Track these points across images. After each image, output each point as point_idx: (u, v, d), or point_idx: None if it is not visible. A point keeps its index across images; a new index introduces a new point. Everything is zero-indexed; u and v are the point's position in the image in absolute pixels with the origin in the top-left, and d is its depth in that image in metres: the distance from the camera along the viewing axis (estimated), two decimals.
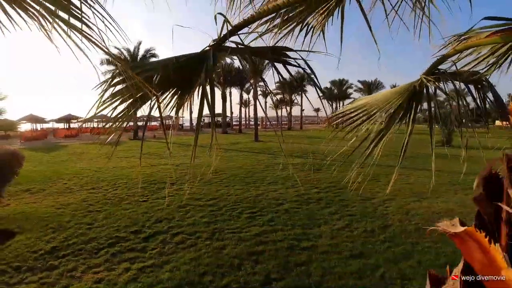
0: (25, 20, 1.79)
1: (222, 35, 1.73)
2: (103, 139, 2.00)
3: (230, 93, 50.55)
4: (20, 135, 32.54)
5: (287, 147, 19.10)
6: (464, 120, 2.60)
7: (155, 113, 2.02)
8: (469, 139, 2.32)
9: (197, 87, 1.97)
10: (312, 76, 1.88)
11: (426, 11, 2.50)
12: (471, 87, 2.66)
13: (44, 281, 4.20)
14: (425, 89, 2.55)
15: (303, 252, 4.85)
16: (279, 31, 2.59)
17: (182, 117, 2.23)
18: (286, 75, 1.96)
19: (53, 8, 1.60)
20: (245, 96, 55.03)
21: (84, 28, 1.62)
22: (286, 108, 59.63)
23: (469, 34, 2.67)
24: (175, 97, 2.03)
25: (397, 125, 2.58)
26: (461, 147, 2.29)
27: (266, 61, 2.15)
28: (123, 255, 4.87)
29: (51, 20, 1.70)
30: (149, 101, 1.90)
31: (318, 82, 1.89)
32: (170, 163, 14.03)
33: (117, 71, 1.78)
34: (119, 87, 1.97)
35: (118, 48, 32.45)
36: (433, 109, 2.45)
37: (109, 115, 1.99)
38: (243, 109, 57.48)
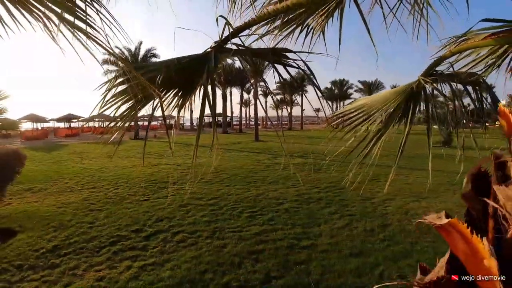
0: (29, 21, 1.84)
1: (223, 37, 1.77)
2: (105, 138, 2.04)
3: (231, 92, 50.65)
4: (20, 134, 32.59)
5: (287, 147, 19.16)
6: (460, 121, 2.64)
7: (157, 113, 2.06)
8: (468, 139, 2.36)
9: (200, 87, 2.01)
10: (312, 77, 1.92)
11: (424, 13, 2.55)
12: (470, 88, 2.71)
13: (46, 279, 4.24)
14: (423, 90, 2.59)
15: (303, 250, 4.89)
16: (280, 33, 2.63)
17: (183, 117, 2.27)
18: (286, 75, 2.00)
19: (59, 10, 1.64)
20: (245, 96, 55.12)
21: (87, 28, 1.67)
22: (286, 108, 59.70)
23: (467, 36, 2.71)
24: (177, 97, 2.07)
25: (395, 126, 2.62)
26: (457, 147, 2.33)
27: (267, 62, 2.19)
28: (125, 254, 4.91)
29: (56, 22, 1.75)
30: (152, 101, 1.94)
31: (317, 83, 1.93)
32: (171, 162, 14.09)
33: (120, 71, 1.81)
34: (121, 87, 2.02)
35: (119, 48, 32.50)
36: (430, 110, 2.49)
37: (111, 114, 2.04)
38: (243, 109, 57.54)
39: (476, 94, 2.66)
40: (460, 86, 2.72)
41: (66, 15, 1.63)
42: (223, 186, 9.42)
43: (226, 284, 4.00)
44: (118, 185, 9.77)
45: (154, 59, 33.88)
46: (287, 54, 1.92)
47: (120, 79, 1.83)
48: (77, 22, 1.62)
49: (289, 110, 59.60)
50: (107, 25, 1.62)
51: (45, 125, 50.47)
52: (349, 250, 4.85)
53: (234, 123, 58.29)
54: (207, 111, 1.96)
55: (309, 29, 2.90)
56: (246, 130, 48.71)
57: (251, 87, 49.91)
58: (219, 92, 44.51)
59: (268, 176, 10.98)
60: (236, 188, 9.23)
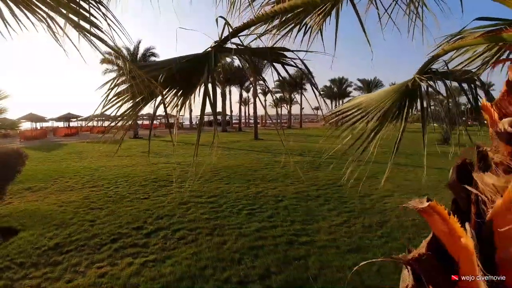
0: (32, 22, 1.90)
1: (223, 37, 1.83)
2: (105, 137, 2.09)
3: (230, 91, 50.67)
4: (19, 134, 32.58)
5: (286, 145, 19.22)
6: (455, 118, 2.69)
7: (157, 111, 2.11)
8: (466, 136, 2.40)
9: (200, 86, 2.06)
10: (310, 75, 1.97)
11: (420, 13, 2.61)
12: (466, 86, 2.76)
13: (48, 276, 4.29)
14: (418, 87, 2.65)
15: (301, 246, 4.96)
16: (278, 32, 2.68)
17: (182, 115, 2.32)
18: (285, 74, 2.05)
19: (63, 11, 1.70)
20: (244, 94, 55.12)
21: (91, 28, 1.73)
22: (286, 106, 59.74)
23: (462, 34, 2.77)
24: (178, 95, 2.13)
25: (392, 123, 2.68)
26: (451, 144, 2.39)
27: (266, 61, 2.25)
28: (126, 251, 4.97)
29: (59, 22, 1.80)
30: (154, 100, 2.00)
31: (314, 81, 1.99)
32: (172, 161, 14.15)
33: (123, 70, 1.86)
34: (123, 86, 2.07)
35: (118, 47, 32.46)
36: (425, 107, 2.55)
37: (113, 114, 2.08)
38: (242, 108, 57.57)
39: (471, 91, 2.72)
40: (456, 84, 2.79)
41: (71, 16, 1.69)
42: (223, 184, 9.49)
43: (226, 279, 4.07)
44: (118, 184, 9.82)
45: (153, 58, 33.88)
46: (285, 53, 1.97)
47: (123, 78, 1.88)
48: (81, 23, 1.68)
49: (288, 109, 59.68)
50: (109, 25, 1.68)
51: (44, 124, 50.45)
52: (347, 246, 4.91)
53: (234, 121, 58.33)
54: (208, 109, 2.02)
55: (307, 28, 2.95)
56: (245, 128, 48.75)
57: (250, 86, 49.95)
58: (218, 91, 44.49)
59: (267, 174, 11.05)
60: (235, 186, 9.29)
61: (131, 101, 2.04)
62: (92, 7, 1.71)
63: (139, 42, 34.68)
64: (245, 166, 12.75)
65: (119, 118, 2.09)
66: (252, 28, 2.08)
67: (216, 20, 1.77)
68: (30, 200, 8.04)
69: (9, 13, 1.78)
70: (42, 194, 8.71)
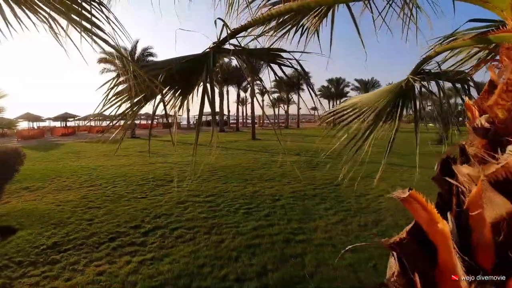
0: (33, 23, 1.95)
1: (221, 38, 1.88)
2: (103, 137, 2.13)
3: (227, 91, 50.64)
4: (17, 134, 32.46)
5: (284, 145, 19.28)
6: (448, 118, 2.76)
7: (156, 111, 2.16)
8: (462, 136, 2.46)
9: (198, 86, 2.12)
10: (306, 76, 2.03)
11: (414, 15, 2.67)
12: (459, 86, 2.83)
13: (46, 275, 4.31)
14: (412, 88, 2.72)
15: (298, 245, 5.03)
16: (275, 33, 2.74)
17: (180, 115, 2.37)
18: (282, 74, 2.10)
19: (65, 11, 1.75)
20: (242, 94, 55.12)
21: (93, 29, 1.78)
22: (283, 106, 59.83)
23: (455, 36, 2.84)
24: (177, 95, 2.18)
25: (385, 122, 2.74)
26: (443, 143, 2.46)
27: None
28: (124, 249, 5.01)
29: (61, 22, 1.85)
30: (154, 99, 2.05)
31: (310, 81, 2.05)
32: (169, 160, 14.17)
33: (123, 70, 1.91)
34: (121, 86, 2.11)
35: (119, 47, 32.37)
36: (418, 107, 2.61)
37: (113, 113, 2.13)
38: (240, 108, 57.57)
39: (464, 91, 2.79)
40: (451, 85, 2.85)
41: (73, 16, 1.74)
42: (220, 184, 9.53)
43: (223, 277, 4.12)
44: (115, 183, 9.84)
45: (151, 58, 33.84)
46: (282, 53, 2.03)
47: (124, 77, 1.92)
48: (83, 23, 1.73)
49: (285, 109, 59.76)
50: (111, 26, 1.73)
51: (41, 124, 50.25)
52: (343, 245, 4.98)
53: (231, 121, 58.33)
54: (206, 109, 2.07)
55: (304, 29, 3.01)
56: (243, 128, 48.77)
57: (248, 86, 49.97)
58: (216, 91, 44.43)
59: (264, 174, 11.10)
60: (233, 185, 9.34)
61: (131, 100, 2.09)
62: (94, 8, 1.76)
63: (137, 41, 34.61)
64: (243, 166, 12.80)
65: (119, 118, 2.14)
66: (250, 29, 2.13)
67: (215, 21, 1.83)
68: (28, 199, 8.05)
69: (11, 13, 1.83)
70: (40, 193, 8.71)
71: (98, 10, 1.75)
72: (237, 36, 1.91)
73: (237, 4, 2.57)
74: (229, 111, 55.14)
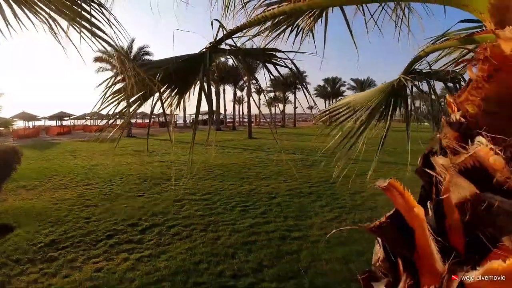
0: (33, 23, 2.00)
1: (217, 38, 1.94)
2: (100, 136, 2.18)
3: (224, 90, 50.59)
4: (12, 133, 32.28)
5: (280, 144, 19.36)
6: (438, 116, 2.84)
7: (153, 110, 2.20)
8: None
9: (195, 85, 2.17)
10: (300, 75, 2.09)
11: (408, 16, 2.74)
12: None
13: (44, 272, 4.35)
14: (404, 87, 2.79)
15: (293, 241, 5.10)
16: (270, 33, 2.80)
17: (177, 114, 2.43)
18: (277, 74, 2.16)
19: (66, 12, 1.80)
20: (238, 93, 55.09)
21: (92, 29, 1.83)
22: (278, 106, 59.89)
23: (449, 36, 2.91)
24: (174, 93, 2.23)
25: (378, 121, 2.82)
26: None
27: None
28: (121, 246, 5.06)
29: (60, 22, 1.90)
30: (152, 97, 2.10)
31: (305, 80, 2.12)
32: (165, 159, 14.19)
33: (121, 68, 1.96)
34: (120, 84, 2.16)
35: (120, 47, 32.26)
36: (410, 105, 2.69)
37: (111, 111, 2.17)
38: (236, 106, 57.55)
39: (456, 90, 2.86)
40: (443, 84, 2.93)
41: (73, 16, 1.79)
42: (217, 182, 9.59)
43: (220, 273, 4.19)
44: (112, 182, 9.86)
45: (147, 57, 33.76)
46: (277, 53, 2.09)
47: (122, 76, 1.97)
48: (83, 23, 1.78)
49: (282, 108, 59.82)
50: (110, 26, 1.78)
51: (37, 123, 49.91)
52: (338, 240, 5.05)
53: (227, 120, 58.30)
54: (203, 108, 2.12)
55: (299, 30, 3.07)
56: (239, 127, 48.78)
57: (244, 85, 49.98)
58: (212, 90, 44.45)
59: (260, 172, 11.17)
60: (229, 183, 9.40)
61: (130, 98, 2.14)
62: (93, 9, 1.81)
63: (133, 40, 34.51)
64: (239, 164, 12.86)
65: (117, 116, 2.19)
66: (245, 30, 2.19)
67: (211, 22, 1.89)
68: (25, 198, 8.06)
69: (11, 13, 1.87)
70: (37, 192, 8.72)
71: (97, 11, 1.80)
72: (233, 36, 1.97)
73: (233, 4, 2.63)
74: (225, 110, 55.14)
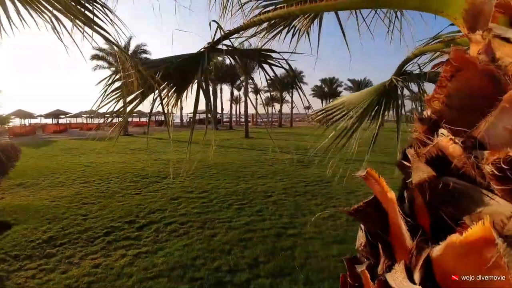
0: (36, 22, 2.07)
1: (215, 39, 2.01)
2: (97, 134, 2.26)
3: (221, 89, 50.63)
4: (7, 130, 32.15)
5: (277, 143, 19.45)
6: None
7: (148, 109, 2.27)
8: None
9: (193, 84, 2.25)
10: (295, 75, 2.18)
11: (402, 19, 2.83)
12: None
13: (43, 268, 4.40)
14: (395, 88, 2.88)
15: (289, 238, 5.19)
16: (267, 34, 2.88)
17: (174, 113, 2.50)
18: (273, 74, 2.25)
19: (70, 11, 1.87)
20: (236, 92, 55.12)
21: (94, 27, 1.90)
22: (274, 106, 60.00)
23: (440, 38, 3.01)
24: (173, 91, 2.31)
25: (370, 120, 2.91)
26: None
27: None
28: (119, 243, 5.12)
29: (62, 22, 1.98)
30: (151, 95, 2.17)
31: (299, 81, 2.20)
32: (162, 158, 14.23)
33: (122, 66, 2.03)
34: (118, 83, 2.23)
35: (108, 44, 32.22)
36: (400, 106, 2.79)
37: (111, 109, 2.24)
38: (234, 106, 57.56)
39: None
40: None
41: (77, 16, 1.86)
42: (213, 181, 9.67)
43: (216, 268, 4.26)
44: (109, 180, 9.91)
45: (144, 55, 33.72)
46: (272, 54, 2.17)
47: (124, 73, 2.04)
48: (81, 23, 1.85)
49: (279, 108, 59.92)
50: (112, 25, 1.86)
51: (33, 121, 49.70)
52: (333, 238, 5.15)
53: (224, 120, 58.31)
54: (200, 107, 2.20)
55: (295, 30, 3.16)
56: (236, 127, 48.82)
57: (242, 84, 50.02)
58: (210, 89, 44.36)
59: (257, 171, 11.26)
60: (226, 182, 9.48)
61: (130, 95, 2.21)
62: (96, 9, 1.88)
63: (130, 38, 34.44)
64: (236, 163, 12.94)
65: (115, 114, 2.26)
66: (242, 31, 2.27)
67: (210, 24, 1.97)
68: (22, 195, 8.08)
69: (14, 12, 1.94)
70: (34, 189, 8.75)
71: (100, 11, 1.87)
72: (230, 37, 2.05)
73: (231, 5, 2.71)
74: (222, 109, 55.18)
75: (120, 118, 2.40)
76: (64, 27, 1.92)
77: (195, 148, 2.53)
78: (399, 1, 0.92)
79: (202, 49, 2.14)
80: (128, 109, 2.26)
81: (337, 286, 1.05)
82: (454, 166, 0.58)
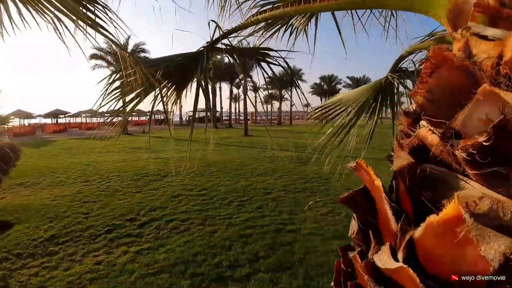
0: (37, 23, 2.12)
1: (214, 38, 2.07)
2: (98, 133, 2.30)
3: (220, 87, 50.60)
4: (7, 131, 32.14)
5: (276, 141, 19.51)
6: None
7: (147, 108, 2.32)
8: None
9: (192, 82, 2.30)
10: (292, 73, 2.23)
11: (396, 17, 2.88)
12: None
13: (45, 265, 4.46)
14: (391, 84, 2.94)
15: (288, 234, 5.26)
16: (265, 33, 2.93)
17: (173, 112, 2.55)
18: (271, 72, 2.30)
19: (70, 13, 1.92)
20: (235, 90, 55.08)
21: (96, 28, 1.95)
22: (273, 105, 59.98)
23: (435, 35, 3.05)
24: (172, 89, 2.36)
25: (366, 116, 2.96)
26: None
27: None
28: (120, 240, 5.18)
29: (63, 23, 2.03)
30: (152, 93, 2.22)
31: (296, 79, 2.25)
32: (162, 156, 14.28)
33: (124, 65, 2.07)
34: (118, 82, 2.28)
35: (106, 43, 32.20)
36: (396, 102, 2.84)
37: (111, 108, 2.29)
38: (233, 104, 57.54)
39: None
40: None
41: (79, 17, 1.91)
42: (213, 178, 9.72)
43: (217, 264, 4.33)
44: (110, 179, 9.96)
45: (143, 54, 33.69)
46: (270, 52, 2.22)
47: (126, 72, 2.09)
48: (83, 23, 1.90)
49: (278, 106, 59.90)
50: (113, 26, 1.91)
51: (32, 121, 49.69)
52: (332, 234, 5.22)
53: (224, 118, 58.30)
54: (200, 105, 2.25)
55: (293, 29, 3.20)
56: (235, 125, 48.85)
57: (241, 82, 49.99)
58: (209, 87, 44.27)
59: (256, 169, 11.32)
60: (226, 180, 9.54)
61: (131, 93, 2.26)
62: (97, 10, 1.93)
63: (128, 37, 34.34)
64: (235, 161, 13.00)
65: (116, 112, 2.31)
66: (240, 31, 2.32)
67: (208, 23, 2.02)
68: (23, 195, 8.14)
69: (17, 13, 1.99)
70: (35, 189, 8.81)
71: (101, 12, 1.92)
72: (229, 36, 2.10)
73: (229, 5, 2.75)
74: (221, 108, 55.19)
75: (119, 118, 2.45)
76: (66, 27, 1.96)
77: (195, 146, 2.58)
78: (385, 3, 0.97)
79: (202, 48, 2.19)
80: (130, 107, 2.31)
81: None
82: (432, 154, 0.64)
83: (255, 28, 2.81)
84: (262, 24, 2.80)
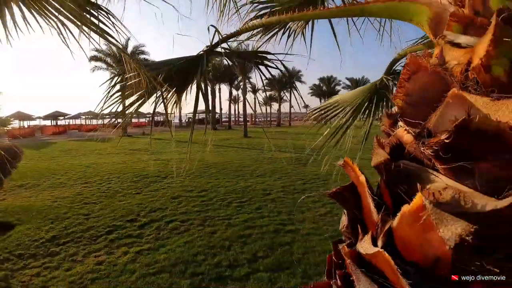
0: (41, 27, 2.20)
1: (214, 43, 2.14)
2: (98, 135, 2.38)
3: (220, 89, 50.72)
4: (7, 133, 32.15)
5: (275, 142, 19.58)
6: None
7: (147, 110, 2.38)
8: None
9: (192, 84, 2.38)
10: (289, 76, 2.30)
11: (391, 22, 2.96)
12: None
13: (47, 266, 4.52)
14: (385, 86, 3.01)
15: (287, 234, 5.33)
16: (263, 36, 3.01)
17: (173, 113, 2.62)
18: (269, 75, 2.37)
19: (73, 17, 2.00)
20: (234, 92, 55.18)
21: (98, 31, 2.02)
22: (272, 106, 60.00)
23: (429, 39, 3.13)
24: (172, 92, 2.43)
25: (362, 117, 3.04)
26: None
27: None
28: (121, 241, 5.24)
29: (69, 27, 2.10)
30: (155, 95, 2.29)
31: (297, 81, 2.33)
32: (162, 158, 14.34)
33: (127, 68, 2.14)
34: (119, 85, 2.35)
35: (106, 45, 32.30)
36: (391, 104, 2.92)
37: (113, 110, 2.35)
38: (232, 106, 57.65)
39: None
40: None
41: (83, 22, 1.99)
42: (213, 179, 9.79)
43: (217, 264, 4.39)
44: (110, 180, 10.03)
45: (142, 56, 33.82)
46: (268, 55, 2.30)
47: (128, 75, 2.15)
48: (85, 27, 1.97)
49: (278, 107, 59.99)
50: (116, 30, 1.98)
51: (32, 123, 49.72)
52: (330, 234, 5.28)
53: (223, 119, 58.39)
54: (200, 107, 2.32)
55: (291, 32, 3.28)
56: (235, 126, 48.91)
57: (240, 84, 50.11)
58: (208, 89, 44.33)
59: (256, 170, 11.39)
60: (225, 181, 9.60)
61: (133, 96, 2.32)
62: (101, 15, 2.00)
63: (128, 39, 34.47)
64: (235, 163, 13.06)
65: (118, 114, 2.37)
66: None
67: (208, 28, 2.09)
68: (24, 196, 8.20)
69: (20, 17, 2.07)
70: (35, 190, 8.86)
71: (105, 17, 1.99)
72: (227, 40, 2.18)
73: (228, 9, 2.83)
74: (221, 109, 55.30)
75: (120, 120, 2.51)
76: (70, 32, 2.03)
77: (195, 148, 2.64)
78: (371, 11, 1.05)
79: (201, 52, 2.27)
80: (132, 110, 2.37)
81: None
82: (407, 151, 0.71)
83: (253, 32, 2.88)
84: (260, 28, 2.88)
